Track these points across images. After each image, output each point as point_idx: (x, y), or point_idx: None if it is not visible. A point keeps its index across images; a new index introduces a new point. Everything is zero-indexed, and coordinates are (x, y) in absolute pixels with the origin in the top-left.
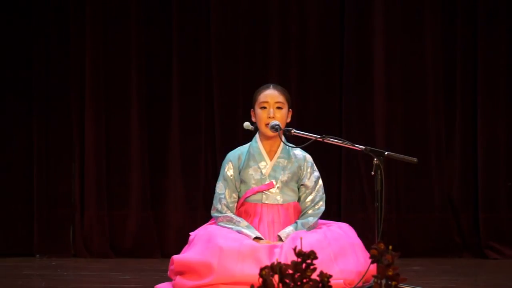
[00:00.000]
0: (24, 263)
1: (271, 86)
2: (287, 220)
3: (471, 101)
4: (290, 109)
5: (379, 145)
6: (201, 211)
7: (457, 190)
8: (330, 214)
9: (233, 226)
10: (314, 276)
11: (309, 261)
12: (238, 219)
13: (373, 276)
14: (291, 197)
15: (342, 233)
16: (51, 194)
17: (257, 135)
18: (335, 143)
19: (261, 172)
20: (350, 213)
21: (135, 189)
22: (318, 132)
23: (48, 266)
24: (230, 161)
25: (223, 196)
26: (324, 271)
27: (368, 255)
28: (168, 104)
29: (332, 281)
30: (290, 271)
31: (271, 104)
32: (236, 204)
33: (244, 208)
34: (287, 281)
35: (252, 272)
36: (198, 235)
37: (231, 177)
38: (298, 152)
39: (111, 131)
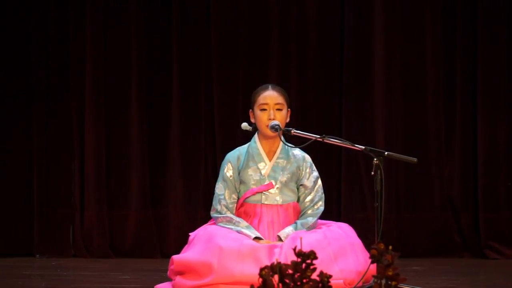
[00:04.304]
0: (24, 263)
1: (270, 86)
2: (287, 221)
3: (471, 101)
4: (289, 109)
5: (379, 145)
6: (201, 211)
7: (457, 190)
8: (330, 214)
9: (232, 227)
10: (314, 276)
11: (309, 261)
12: (238, 219)
13: (373, 276)
14: (291, 197)
15: (342, 233)
16: (51, 194)
17: (256, 136)
18: (335, 143)
19: (260, 172)
20: (350, 213)
21: (135, 189)
22: (318, 132)
23: (48, 266)
24: (229, 161)
25: (222, 197)
26: (324, 271)
27: (368, 255)
28: (168, 104)
29: (332, 281)
30: (290, 271)
31: (271, 106)
32: (235, 205)
33: (243, 209)
34: (287, 281)
35: (252, 272)
36: (197, 235)
37: (231, 178)
38: (297, 152)
39: (111, 131)
